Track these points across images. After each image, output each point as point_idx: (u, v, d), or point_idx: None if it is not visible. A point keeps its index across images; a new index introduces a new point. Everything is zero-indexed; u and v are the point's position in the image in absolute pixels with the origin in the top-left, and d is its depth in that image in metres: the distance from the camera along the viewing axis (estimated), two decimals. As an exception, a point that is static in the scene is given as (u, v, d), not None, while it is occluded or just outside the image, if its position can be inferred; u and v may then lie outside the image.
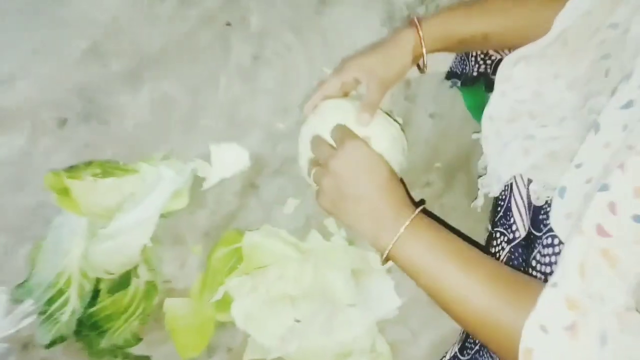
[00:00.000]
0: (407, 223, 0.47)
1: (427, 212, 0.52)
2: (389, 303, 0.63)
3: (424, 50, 0.59)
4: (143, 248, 0.63)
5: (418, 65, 0.64)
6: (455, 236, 0.48)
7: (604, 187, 0.36)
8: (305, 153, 0.61)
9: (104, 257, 0.62)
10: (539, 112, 0.57)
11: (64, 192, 0.64)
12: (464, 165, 0.78)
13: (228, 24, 0.91)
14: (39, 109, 0.83)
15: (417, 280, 0.47)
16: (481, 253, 0.47)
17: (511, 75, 0.59)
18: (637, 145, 0.35)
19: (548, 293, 0.36)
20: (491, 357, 0.53)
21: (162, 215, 0.65)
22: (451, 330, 0.63)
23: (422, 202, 0.62)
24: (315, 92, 0.63)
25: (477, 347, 0.56)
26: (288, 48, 0.89)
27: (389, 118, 0.62)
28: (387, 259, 0.49)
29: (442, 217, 0.70)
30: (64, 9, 0.93)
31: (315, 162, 0.57)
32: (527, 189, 0.54)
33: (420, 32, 0.59)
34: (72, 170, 0.67)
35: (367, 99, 0.58)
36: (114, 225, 0.64)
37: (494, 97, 0.60)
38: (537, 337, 0.35)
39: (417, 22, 0.59)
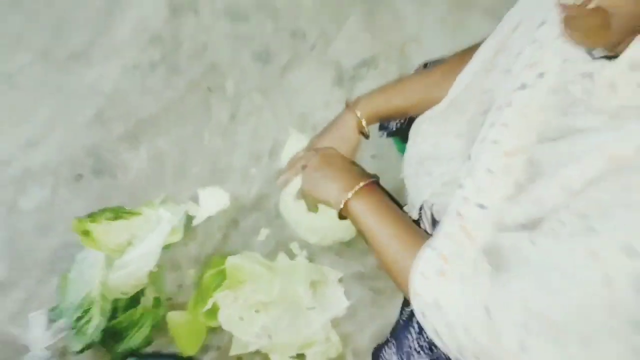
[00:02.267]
0: (357, 187, 0.64)
1: (378, 185, 0.71)
2: (340, 304, 0.83)
3: (365, 128, 0.79)
4: (149, 273, 0.82)
5: (363, 133, 0.85)
6: (391, 203, 0.65)
7: (461, 186, 0.55)
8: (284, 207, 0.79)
9: (119, 282, 0.81)
10: (437, 155, 0.78)
11: (87, 233, 0.83)
12: (398, 196, 0.99)
13: (209, 90, 1.13)
14: (59, 167, 1.03)
15: (359, 230, 0.63)
16: (404, 217, 0.63)
17: (419, 131, 0.80)
18: (476, 161, 0.55)
19: (425, 251, 0.53)
20: (410, 334, 0.71)
21: (163, 247, 0.85)
22: (388, 324, 0.82)
23: (375, 176, 0.80)
24: (287, 170, 0.81)
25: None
26: (258, 108, 1.11)
27: None
28: (341, 215, 0.66)
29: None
30: (72, 82, 1.14)
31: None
32: (431, 210, 0.75)
33: (358, 114, 0.79)
34: (91, 216, 0.86)
35: None
36: (126, 257, 0.83)
37: (409, 146, 0.82)
38: (419, 281, 0.53)
39: (353, 107, 0.80)
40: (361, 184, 0.65)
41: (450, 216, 0.55)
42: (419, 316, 0.52)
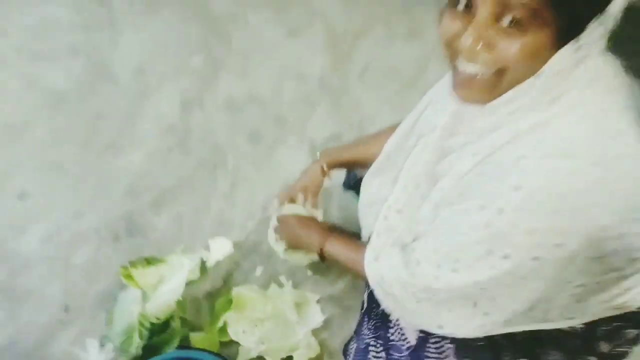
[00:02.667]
0: (328, 234, 0.93)
1: (336, 229, 0.99)
2: (317, 319, 1.11)
3: (327, 172, 1.10)
4: (176, 303, 1.11)
5: (326, 176, 1.15)
6: (346, 237, 0.93)
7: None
8: (271, 234, 1.10)
9: (153, 311, 1.10)
10: (378, 200, 1.07)
11: (129, 276, 1.13)
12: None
13: (214, 166, 1.48)
14: (100, 230, 1.35)
15: (337, 260, 0.91)
16: (356, 242, 0.90)
17: (366, 182, 1.09)
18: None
19: (367, 252, 0.80)
20: (364, 326, 0.98)
21: (185, 284, 1.14)
22: (353, 331, 1.10)
23: (332, 226, 1.05)
24: (279, 199, 1.12)
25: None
26: (252, 177, 1.44)
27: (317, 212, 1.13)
28: (321, 256, 0.94)
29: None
30: (108, 165, 1.48)
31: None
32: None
33: (322, 161, 1.11)
34: (132, 264, 1.16)
35: (315, 195, 1.08)
36: (158, 292, 1.12)
37: (360, 195, 1.13)
38: (368, 267, 0.78)
39: (320, 158, 1.11)
40: (329, 237, 0.95)
41: (380, 222, 0.83)
42: (374, 288, 0.80)
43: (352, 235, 0.98)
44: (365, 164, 1.00)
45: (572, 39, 0.55)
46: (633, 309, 0.72)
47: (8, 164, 1.51)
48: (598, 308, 0.70)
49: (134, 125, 1.59)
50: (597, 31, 0.55)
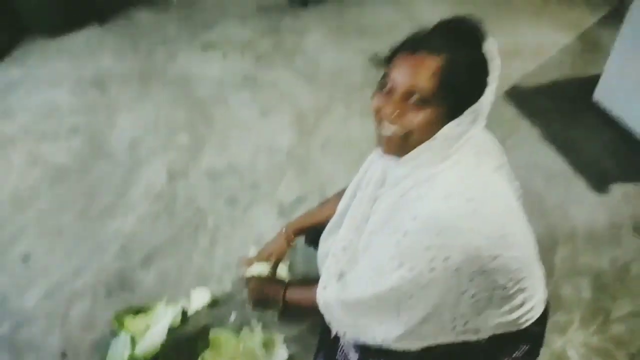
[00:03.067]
0: (284, 288, 1.12)
1: (291, 285, 1.18)
2: (282, 356, 1.31)
3: (292, 240, 1.32)
4: (161, 345, 1.29)
5: (289, 244, 1.38)
6: (300, 289, 1.11)
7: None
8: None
9: (141, 353, 1.28)
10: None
11: (121, 323, 1.32)
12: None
13: (195, 227, 1.70)
14: (95, 286, 1.54)
15: (298, 303, 1.10)
16: (309, 289, 1.07)
17: (322, 238, 1.31)
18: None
19: (319, 282, 1.02)
20: (321, 357, 1.17)
21: (169, 329, 1.33)
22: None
23: (286, 283, 1.25)
24: (248, 261, 1.34)
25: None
26: (229, 235, 1.67)
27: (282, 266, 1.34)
28: (283, 307, 1.12)
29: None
30: (103, 229, 1.70)
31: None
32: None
33: (285, 231, 1.34)
34: (123, 312, 1.36)
35: (279, 258, 1.30)
36: (145, 337, 1.31)
37: (319, 249, 1.35)
38: (320, 301, 0.99)
39: (284, 228, 1.35)
40: (283, 290, 1.14)
41: (329, 259, 1.04)
42: (323, 312, 1.00)
43: (306, 284, 1.18)
44: (322, 225, 1.21)
45: (456, 117, 0.82)
46: (524, 326, 0.94)
47: (14, 231, 1.72)
48: (495, 322, 0.91)
49: (126, 193, 1.83)
50: (472, 115, 0.83)
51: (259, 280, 1.23)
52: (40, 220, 1.76)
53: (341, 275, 1.00)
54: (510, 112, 2.12)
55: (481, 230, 0.80)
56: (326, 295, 1.00)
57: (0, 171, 1.96)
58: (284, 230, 1.34)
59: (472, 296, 0.86)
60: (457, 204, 0.80)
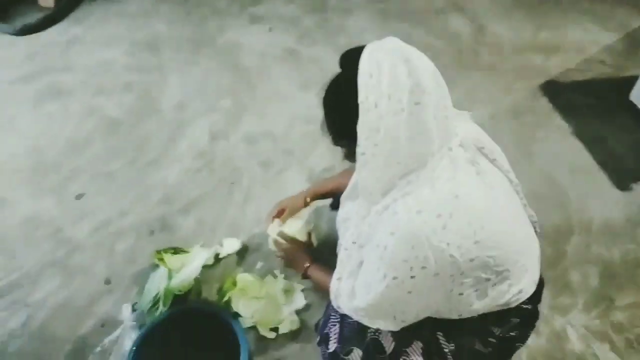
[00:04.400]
0: (308, 265, 1.26)
1: (314, 262, 1.30)
2: (300, 302, 1.44)
3: (308, 201, 1.45)
4: (194, 281, 1.44)
5: (306, 204, 1.49)
6: (324, 266, 1.25)
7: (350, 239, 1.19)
8: (271, 239, 1.43)
9: (177, 285, 1.43)
10: (348, 217, 1.39)
11: (161, 258, 1.48)
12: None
13: (232, 183, 1.85)
14: (139, 226, 1.71)
15: (314, 282, 1.25)
16: (326, 269, 1.23)
17: (341, 205, 1.43)
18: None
19: (333, 280, 1.14)
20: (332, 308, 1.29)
21: (202, 268, 1.48)
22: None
23: (313, 260, 1.42)
24: (271, 213, 1.47)
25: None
26: (261, 195, 1.80)
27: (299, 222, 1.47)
28: (304, 277, 1.27)
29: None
30: (148, 178, 1.86)
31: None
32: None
33: (305, 193, 1.47)
34: (164, 250, 1.52)
35: (292, 213, 1.43)
36: (181, 273, 1.46)
37: (338, 214, 1.47)
38: (333, 290, 1.09)
39: (306, 191, 1.47)
40: (307, 266, 1.27)
41: (342, 252, 1.13)
42: (334, 303, 1.09)
43: (327, 268, 1.24)
44: (340, 193, 1.26)
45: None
46: (513, 306, 1.01)
47: (70, 172, 1.91)
48: (484, 305, 0.98)
49: (171, 148, 1.99)
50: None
51: (291, 246, 1.34)
52: (94, 165, 1.94)
53: (351, 273, 1.05)
54: (544, 105, 2.16)
55: (453, 242, 0.85)
56: (338, 291, 1.07)
57: (59, 119, 2.15)
58: (304, 191, 1.45)
59: (460, 293, 0.94)
60: (428, 219, 0.85)
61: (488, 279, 0.94)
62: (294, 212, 1.43)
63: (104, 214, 1.75)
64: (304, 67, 2.39)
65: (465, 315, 1.01)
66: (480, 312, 1.00)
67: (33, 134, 2.07)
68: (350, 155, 0.91)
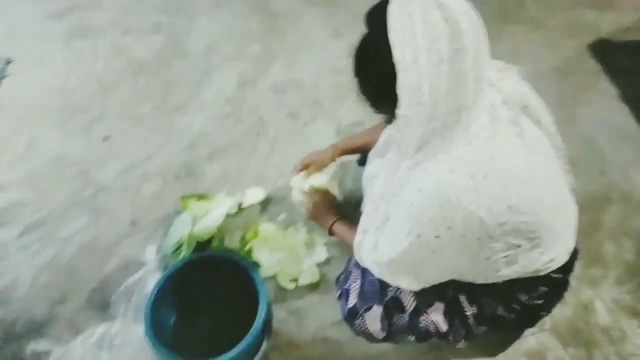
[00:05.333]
0: (335, 219, 1.25)
1: (341, 218, 1.28)
2: (321, 256, 1.43)
3: (336, 156, 1.41)
4: (217, 228, 1.45)
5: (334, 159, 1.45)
6: (350, 222, 1.23)
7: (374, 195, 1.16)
8: (295, 191, 1.41)
9: (200, 232, 1.44)
10: (375, 174, 1.34)
11: (185, 204, 1.49)
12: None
13: (257, 134, 1.81)
14: (166, 173, 1.70)
15: (339, 237, 1.24)
16: (351, 226, 1.20)
17: (369, 162, 1.39)
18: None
19: (358, 233, 1.10)
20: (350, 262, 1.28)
21: (226, 215, 1.48)
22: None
23: (342, 213, 1.41)
24: (298, 166, 1.45)
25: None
26: (287, 146, 1.77)
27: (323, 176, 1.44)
28: (330, 233, 1.27)
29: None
30: (175, 124, 1.84)
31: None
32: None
33: (333, 148, 1.41)
34: (189, 196, 1.52)
35: (318, 168, 1.40)
36: (204, 219, 1.47)
37: (365, 170, 1.42)
38: (356, 245, 1.09)
39: (333, 145, 1.43)
40: (334, 219, 1.26)
41: (368, 205, 1.09)
42: (356, 255, 1.08)
43: (352, 224, 1.21)
44: (368, 149, 1.25)
45: None
46: (543, 274, 0.98)
47: (97, 112, 1.91)
48: (515, 274, 0.95)
49: (198, 94, 1.95)
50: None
51: (320, 200, 1.32)
52: (121, 107, 1.93)
53: (377, 229, 1.01)
54: (592, 65, 2.01)
55: (484, 204, 0.81)
56: (361, 252, 1.06)
57: (87, 58, 2.13)
58: (332, 145, 1.41)
59: (487, 258, 0.90)
60: (460, 178, 0.81)
61: (519, 246, 0.89)
62: (320, 167, 1.41)
63: (130, 157, 1.75)
64: (338, 15, 2.28)
65: (491, 280, 0.98)
66: (507, 279, 0.97)
67: (63, 72, 2.06)
68: (392, 120, 0.86)
